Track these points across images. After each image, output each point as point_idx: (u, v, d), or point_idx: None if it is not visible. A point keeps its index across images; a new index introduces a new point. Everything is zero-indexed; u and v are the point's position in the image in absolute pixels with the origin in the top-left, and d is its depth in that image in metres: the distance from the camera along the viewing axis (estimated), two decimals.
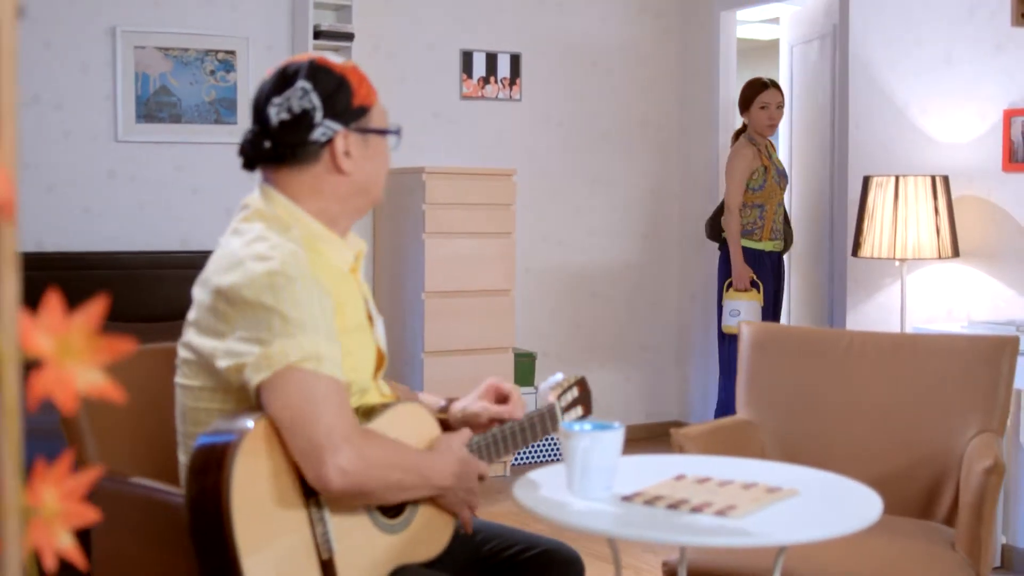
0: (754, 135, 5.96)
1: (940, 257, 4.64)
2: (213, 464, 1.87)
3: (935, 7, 4.91)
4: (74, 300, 0.78)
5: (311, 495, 1.97)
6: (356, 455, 1.95)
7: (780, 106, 5.97)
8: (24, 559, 0.78)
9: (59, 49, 5.59)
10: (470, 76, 6.58)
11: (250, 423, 1.91)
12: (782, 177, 5.98)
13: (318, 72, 2.11)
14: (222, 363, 1.99)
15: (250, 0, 6.01)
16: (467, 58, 6.58)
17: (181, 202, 5.84)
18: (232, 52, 5.97)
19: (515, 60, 6.69)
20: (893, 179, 4.66)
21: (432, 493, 2.16)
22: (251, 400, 2.00)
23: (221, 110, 5.93)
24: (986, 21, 4.69)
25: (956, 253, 4.66)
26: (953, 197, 4.73)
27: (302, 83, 2.10)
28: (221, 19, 5.95)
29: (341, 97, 2.11)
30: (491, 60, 6.64)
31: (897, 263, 4.84)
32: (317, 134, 2.10)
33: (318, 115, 2.10)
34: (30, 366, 0.78)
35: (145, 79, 5.77)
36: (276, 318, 1.94)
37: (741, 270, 5.85)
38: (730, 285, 5.91)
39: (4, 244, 0.77)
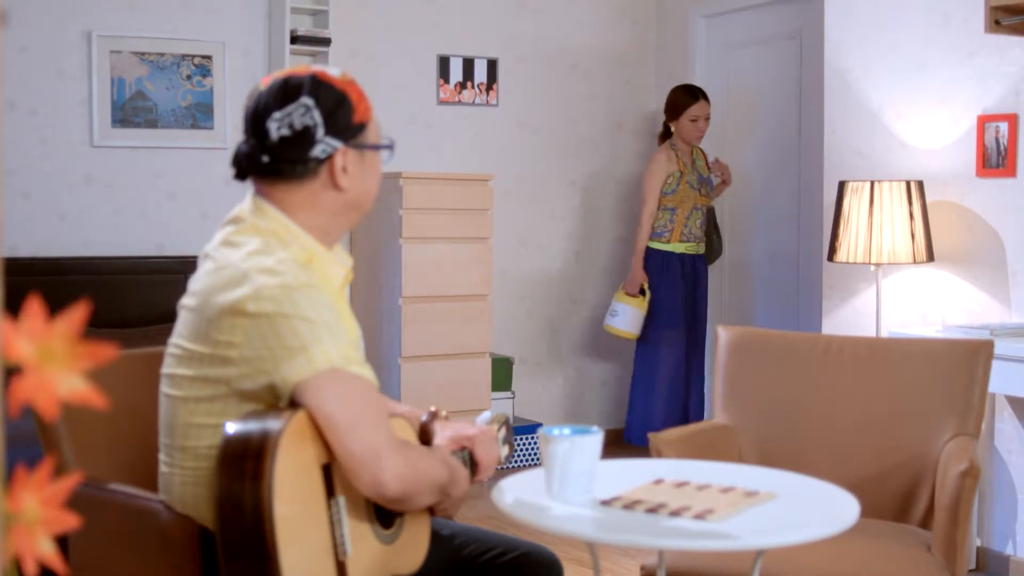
0: (678, 142, 6.21)
1: (915, 262, 4.66)
2: (252, 452, 1.87)
3: (909, 13, 4.94)
4: (50, 306, 0.78)
5: (332, 494, 1.98)
6: (405, 460, 2.00)
7: (708, 118, 6.20)
8: (6, 565, 0.78)
9: (35, 54, 5.56)
10: (447, 81, 6.59)
11: (288, 415, 1.92)
12: (703, 184, 6.22)
13: (320, 88, 2.10)
14: (238, 371, 1.98)
15: (227, 5, 6.00)
16: (444, 63, 6.58)
17: (157, 207, 5.82)
18: (208, 57, 5.96)
19: (492, 65, 6.70)
20: (868, 184, 4.69)
21: (442, 498, 2.18)
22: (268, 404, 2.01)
23: (197, 115, 5.92)
24: (960, 27, 4.72)
25: (931, 258, 4.68)
26: (928, 202, 4.75)
27: (305, 99, 2.09)
28: (197, 24, 5.93)
29: (342, 114, 2.10)
30: (468, 65, 6.65)
31: (872, 268, 4.87)
32: (317, 151, 2.09)
33: (319, 132, 2.09)
34: (11, 372, 0.78)
35: (121, 84, 5.76)
36: (302, 325, 1.95)
37: (636, 275, 6.15)
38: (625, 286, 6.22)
39: None
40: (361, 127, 2.14)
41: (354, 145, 2.13)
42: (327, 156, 2.10)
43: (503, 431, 2.54)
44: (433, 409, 2.45)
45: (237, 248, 2.06)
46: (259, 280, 1.97)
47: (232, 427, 1.93)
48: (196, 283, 2.10)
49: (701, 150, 6.37)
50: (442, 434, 2.38)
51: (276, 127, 2.09)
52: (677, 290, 6.15)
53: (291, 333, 1.94)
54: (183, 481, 2.07)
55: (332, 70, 2.17)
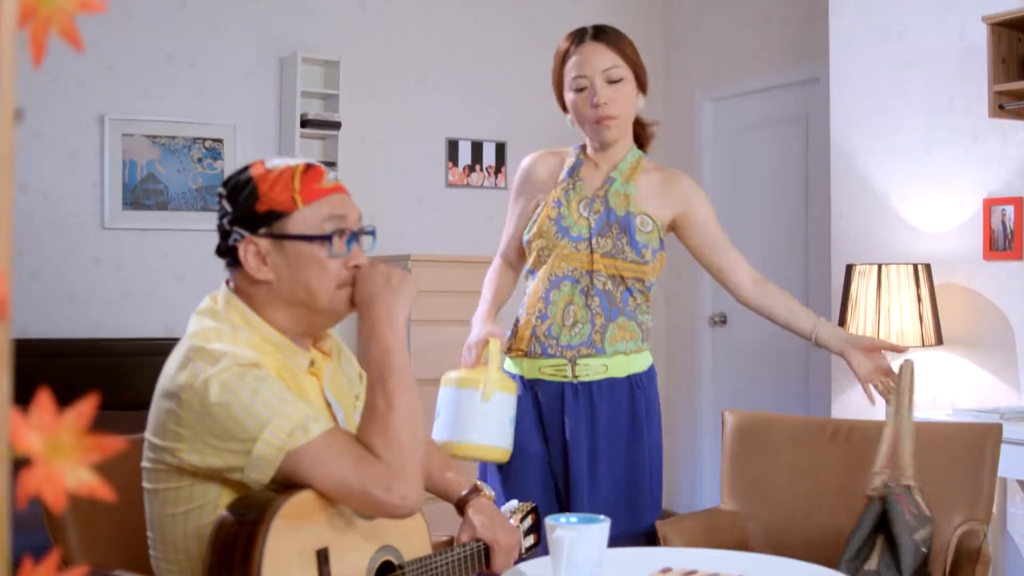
0: (589, 141, 3.17)
1: (923, 345, 4.66)
2: (243, 538, 1.86)
3: (913, 97, 4.99)
4: (59, 388, 0.78)
5: None
6: (395, 474, 1.97)
7: (612, 77, 3.03)
8: None
9: (48, 137, 5.62)
10: (456, 164, 6.64)
11: (282, 500, 1.91)
12: (610, 231, 3.02)
13: (234, 178, 2.12)
14: (202, 464, 1.96)
15: (238, 89, 6.07)
16: (453, 146, 6.64)
17: (166, 289, 5.85)
18: (219, 140, 6.01)
19: (500, 148, 6.75)
20: (876, 267, 4.69)
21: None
22: (232, 489, 1.99)
23: (208, 197, 5.96)
24: (964, 111, 4.75)
25: (939, 341, 4.68)
26: (935, 285, 4.76)
27: (220, 189, 2.13)
28: (209, 107, 6.00)
29: (247, 202, 2.08)
30: (476, 148, 6.70)
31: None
32: (231, 240, 2.11)
33: (225, 221, 2.11)
34: (19, 463, 0.78)
35: (132, 166, 5.81)
36: (243, 415, 1.92)
37: (472, 332, 3.07)
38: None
39: None
40: (273, 215, 2.07)
41: (267, 234, 2.08)
42: (236, 244, 2.10)
43: (529, 520, 2.52)
44: (476, 483, 2.43)
45: (191, 334, 2.06)
46: (198, 367, 1.96)
47: (226, 511, 1.93)
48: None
49: (648, 167, 3.20)
50: (467, 527, 2.36)
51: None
52: (535, 448, 3.06)
53: (237, 426, 1.92)
54: (170, 571, 2.06)
55: (276, 160, 2.14)
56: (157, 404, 2.04)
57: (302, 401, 2.00)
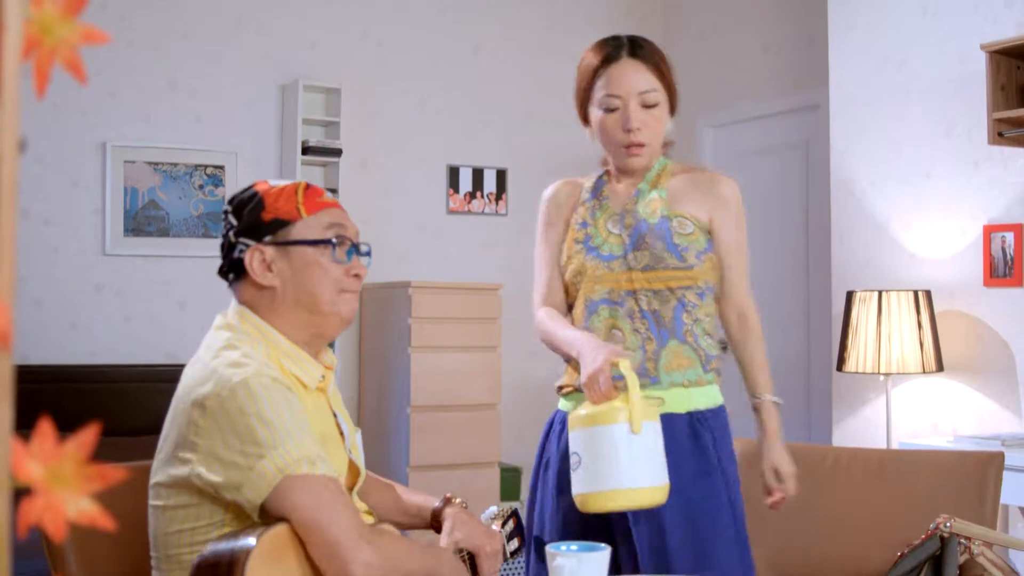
0: (611, 164, 2.88)
1: (924, 371, 4.65)
2: (222, 574, 1.86)
3: (914, 124, 5.00)
4: (59, 414, 0.78)
5: None
6: (375, 549, 1.97)
7: (649, 101, 2.73)
8: None
9: (50, 164, 5.64)
10: (456, 191, 6.65)
11: (261, 533, 1.90)
12: (644, 241, 2.71)
13: (237, 196, 2.22)
14: (207, 479, 1.97)
15: (239, 116, 6.08)
16: (453, 173, 6.65)
17: (167, 315, 5.85)
18: (221, 167, 6.03)
19: (501, 175, 6.76)
20: (876, 294, 4.70)
21: None
22: (234, 514, 1.99)
23: (209, 224, 5.97)
24: (964, 138, 4.77)
25: (940, 367, 4.67)
26: (936, 311, 4.76)
27: (225, 207, 2.22)
28: (210, 134, 6.01)
29: (252, 213, 2.17)
30: (477, 175, 6.72)
31: (882, 378, 4.85)
32: (236, 252, 2.17)
33: (232, 234, 2.18)
34: (20, 493, 0.78)
35: (134, 193, 5.82)
36: (259, 427, 1.94)
37: (587, 360, 2.41)
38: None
39: (0, 374, 0.78)
40: (278, 224, 2.16)
41: (272, 242, 2.16)
42: (242, 255, 2.16)
43: (511, 523, 2.50)
44: (448, 495, 2.42)
45: (210, 347, 2.10)
46: (223, 374, 1.99)
47: (207, 547, 1.92)
48: (176, 392, 2.12)
49: (670, 172, 2.87)
50: (449, 535, 2.35)
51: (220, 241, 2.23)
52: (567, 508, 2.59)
53: (250, 439, 1.94)
54: None
55: (278, 180, 2.24)
56: (176, 415, 2.05)
57: (318, 442, 2.03)
